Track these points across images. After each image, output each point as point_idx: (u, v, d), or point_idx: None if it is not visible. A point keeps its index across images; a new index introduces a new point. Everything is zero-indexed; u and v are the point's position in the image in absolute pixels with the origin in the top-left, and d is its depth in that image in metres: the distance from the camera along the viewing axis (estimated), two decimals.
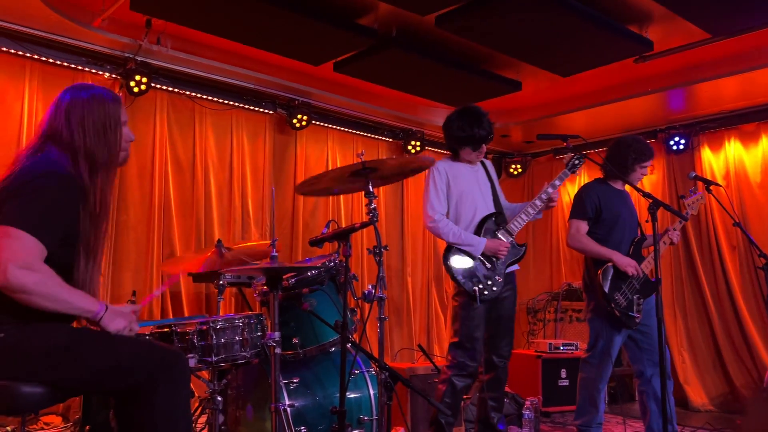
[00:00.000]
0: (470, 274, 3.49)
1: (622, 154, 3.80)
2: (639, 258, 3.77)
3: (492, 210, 3.61)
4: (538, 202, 3.55)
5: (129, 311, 2.11)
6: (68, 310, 1.96)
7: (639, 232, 3.94)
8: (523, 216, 3.54)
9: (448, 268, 3.55)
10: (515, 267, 3.65)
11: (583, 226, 3.78)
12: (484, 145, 3.61)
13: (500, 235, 3.50)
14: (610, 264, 3.69)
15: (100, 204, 2.07)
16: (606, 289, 3.66)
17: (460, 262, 3.52)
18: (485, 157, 3.79)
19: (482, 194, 3.63)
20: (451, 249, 3.57)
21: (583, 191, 3.90)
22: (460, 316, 3.50)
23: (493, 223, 3.56)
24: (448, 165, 3.66)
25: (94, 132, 2.09)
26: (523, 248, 3.59)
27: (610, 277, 3.68)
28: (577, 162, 3.69)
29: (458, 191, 3.59)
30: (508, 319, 3.61)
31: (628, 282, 3.69)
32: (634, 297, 3.67)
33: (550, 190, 3.55)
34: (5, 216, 1.89)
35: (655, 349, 3.67)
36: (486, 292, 3.44)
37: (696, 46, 4.60)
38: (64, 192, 1.97)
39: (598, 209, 3.76)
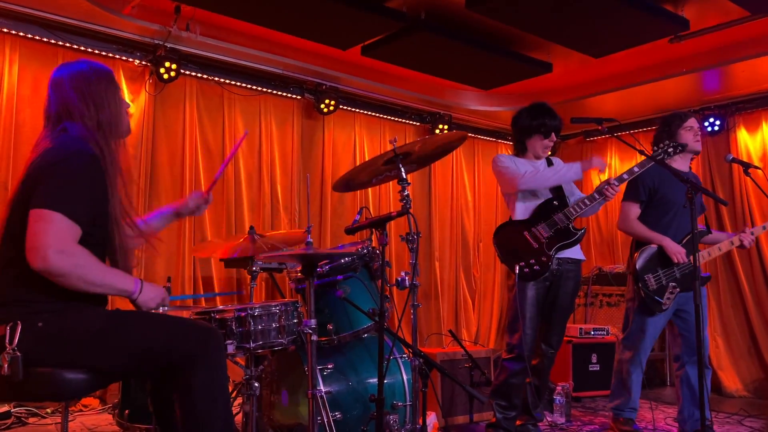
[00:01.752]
0: (515, 252, 3.44)
1: (664, 128, 3.71)
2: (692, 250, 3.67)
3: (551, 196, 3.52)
4: (595, 194, 3.39)
5: (161, 288, 2.13)
6: (105, 291, 2.00)
7: (705, 224, 3.80)
8: (586, 201, 3.40)
9: (496, 246, 3.53)
10: (576, 255, 3.53)
11: (635, 209, 3.69)
12: (554, 134, 3.55)
13: (556, 219, 3.40)
14: (653, 246, 3.61)
15: (121, 172, 2.09)
16: (638, 267, 3.59)
17: (506, 242, 3.48)
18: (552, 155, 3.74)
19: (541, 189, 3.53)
20: (500, 230, 3.53)
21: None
22: (512, 297, 3.47)
23: (550, 205, 3.46)
24: (509, 157, 3.64)
25: (101, 103, 2.10)
26: (579, 232, 3.43)
27: (647, 258, 3.61)
28: (671, 151, 3.41)
29: None
30: (562, 310, 3.53)
31: (668, 268, 3.59)
32: (669, 284, 3.58)
33: (615, 182, 3.36)
34: (39, 199, 1.90)
35: (694, 337, 3.62)
36: (527, 270, 3.38)
37: (734, 24, 4.48)
38: (93, 171, 1.99)
39: (653, 192, 3.65)
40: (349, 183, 2.85)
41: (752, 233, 3.68)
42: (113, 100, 2.14)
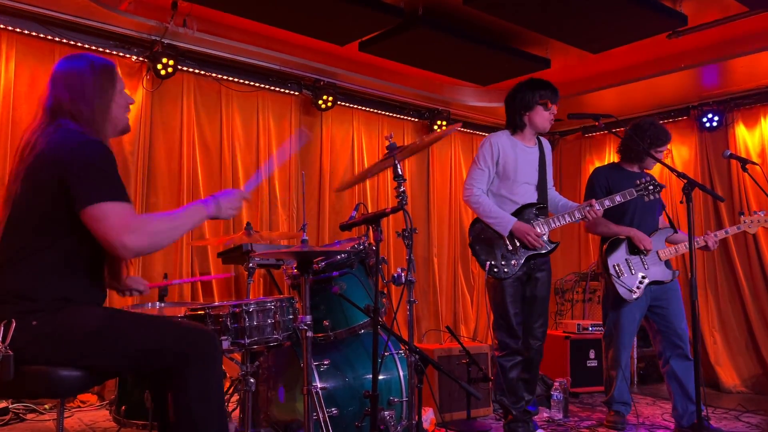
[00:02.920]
0: (488, 248, 3.46)
1: (638, 139, 3.76)
2: (659, 244, 3.75)
3: (534, 196, 3.51)
4: (577, 214, 3.45)
5: (235, 192, 2.19)
6: (187, 228, 2.06)
7: (669, 223, 3.91)
8: (567, 217, 3.45)
9: (471, 236, 3.55)
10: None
11: None
12: (554, 106, 3.50)
13: (536, 226, 3.42)
14: (623, 237, 3.73)
15: None
16: (608, 257, 3.71)
17: (481, 235, 3.49)
18: (544, 136, 3.71)
19: (530, 178, 3.52)
20: (477, 221, 3.54)
21: (593, 176, 3.91)
22: (491, 295, 3.49)
23: (533, 212, 3.47)
24: (503, 139, 3.52)
25: (93, 99, 2.08)
26: (553, 246, 3.46)
27: (615, 249, 3.73)
28: (651, 188, 3.51)
29: (506, 169, 3.48)
30: (541, 301, 3.54)
31: (636, 258, 3.71)
32: (639, 275, 3.68)
33: (597, 207, 3.43)
34: (83, 198, 1.89)
35: (673, 331, 3.71)
36: (496, 270, 3.41)
37: (732, 20, 4.48)
38: (109, 155, 1.99)
39: (608, 192, 3.72)
40: (351, 184, 2.87)
41: (716, 236, 3.78)
42: (106, 96, 2.12)
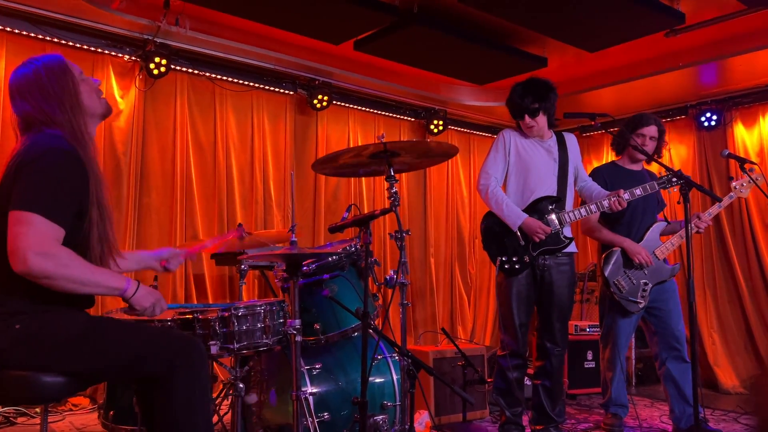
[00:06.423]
0: (499, 243, 3.38)
1: (620, 131, 3.77)
2: (654, 243, 3.69)
3: (553, 190, 3.41)
4: (605, 203, 3.34)
5: (157, 291, 2.07)
6: (94, 291, 1.94)
7: (663, 218, 3.85)
8: (582, 210, 3.37)
9: (482, 232, 3.46)
10: (568, 248, 3.42)
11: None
12: (527, 115, 3.39)
13: (549, 219, 3.33)
14: (616, 249, 3.67)
15: (93, 164, 2.02)
16: (606, 273, 3.65)
17: (493, 229, 3.41)
18: (568, 131, 3.64)
19: (545, 172, 3.43)
20: (489, 214, 3.46)
21: (591, 176, 3.82)
22: (497, 293, 3.43)
23: (546, 205, 3.37)
24: (515, 134, 3.49)
25: (59, 99, 2.03)
26: (567, 241, 3.37)
27: (612, 262, 3.66)
28: (674, 181, 3.41)
29: (519, 163, 3.43)
30: (559, 305, 3.41)
31: (635, 268, 3.63)
32: (641, 282, 3.63)
33: (626, 196, 3.34)
34: (16, 201, 1.84)
35: (670, 333, 3.67)
36: (507, 266, 3.33)
37: (730, 18, 4.44)
38: (70, 167, 1.93)
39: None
40: (331, 164, 2.79)
41: (709, 214, 3.69)
42: (69, 90, 2.06)
